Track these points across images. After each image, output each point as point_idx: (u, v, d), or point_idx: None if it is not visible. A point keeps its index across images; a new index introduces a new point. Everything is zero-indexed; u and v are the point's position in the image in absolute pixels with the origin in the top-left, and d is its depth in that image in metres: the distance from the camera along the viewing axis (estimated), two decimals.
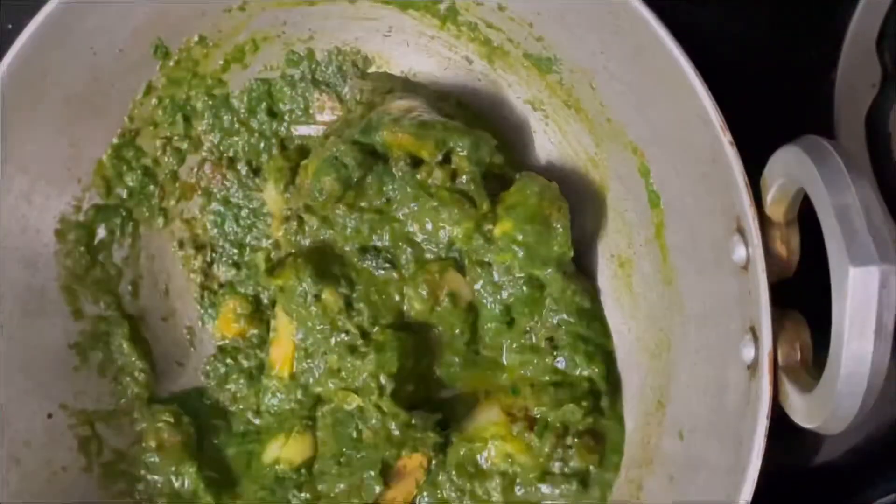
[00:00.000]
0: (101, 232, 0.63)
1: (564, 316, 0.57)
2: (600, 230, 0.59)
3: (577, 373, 0.57)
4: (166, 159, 0.64)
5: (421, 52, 0.62)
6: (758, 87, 0.57)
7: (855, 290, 0.36)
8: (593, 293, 0.58)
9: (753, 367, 0.43)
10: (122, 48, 0.59)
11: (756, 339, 0.43)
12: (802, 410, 0.42)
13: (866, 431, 0.55)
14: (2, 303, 0.57)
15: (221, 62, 0.63)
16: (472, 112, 0.62)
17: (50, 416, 0.59)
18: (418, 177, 0.56)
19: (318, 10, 0.61)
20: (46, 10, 0.54)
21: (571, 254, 0.56)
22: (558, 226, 0.55)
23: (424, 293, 0.57)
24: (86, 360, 0.61)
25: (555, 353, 0.57)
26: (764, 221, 0.44)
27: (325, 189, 0.57)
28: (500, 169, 0.57)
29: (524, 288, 0.57)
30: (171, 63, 0.62)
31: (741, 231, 0.44)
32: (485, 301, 0.58)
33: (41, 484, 0.57)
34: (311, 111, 0.64)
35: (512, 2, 0.56)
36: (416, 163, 0.57)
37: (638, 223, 0.56)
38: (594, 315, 0.58)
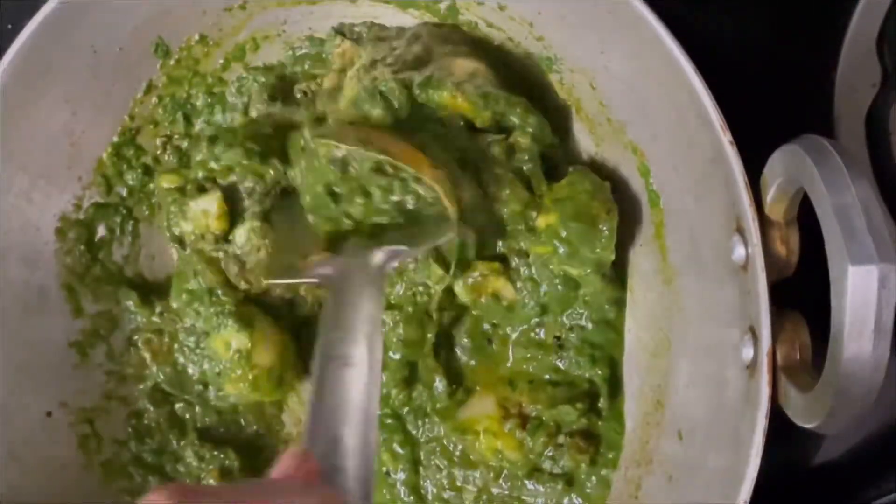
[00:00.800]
0: (102, 230, 0.63)
1: (582, 322, 0.56)
2: None
3: (578, 373, 0.57)
4: (167, 157, 0.64)
5: None
6: (758, 87, 0.57)
7: (854, 289, 0.36)
8: (621, 303, 0.57)
9: (753, 366, 0.43)
10: (123, 47, 0.59)
11: (755, 338, 0.43)
12: (801, 410, 0.42)
13: (866, 431, 0.55)
14: (1, 300, 0.57)
15: (222, 61, 0.63)
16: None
17: (49, 414, 0.59)
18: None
19: (318, 9, 0.61)
20: (46, 9, 0.54)
21: (612, 258, 0.54)
22: (605, 228, 0.53)
23: (467, 289, 0.56)
24: (85, 357, 0.61)
25: (559, 352, 0.57)
26: (764, 221, 0.44)
27: (371, 119, 0.55)
28: (553, 152, 0.57)
29: (560, 287, 0.56)
30: (172, 62, 0.62)
31: (741, 231, 0.44)
32: (524, 300, 0.57)
33: (40, 482, 0.57)
34: (325, 56, 0.62)
35: (512, 1, 0.56)
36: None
37: (638, 223, 0.56)
38: (613, 326, 0.57)
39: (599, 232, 0.53)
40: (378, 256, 0.51)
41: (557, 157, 0.57)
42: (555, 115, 0.58)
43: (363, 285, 0.49)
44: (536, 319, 0.57)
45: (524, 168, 0.55)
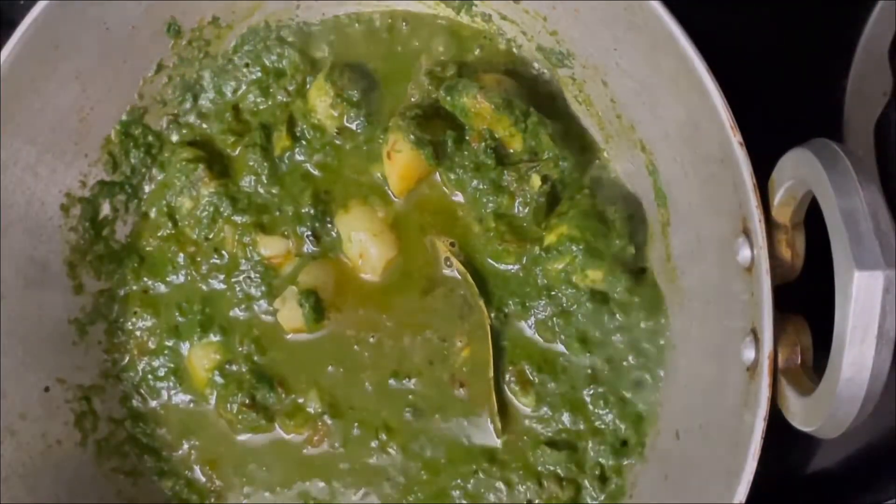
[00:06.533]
0: (106, 208, 0.63)
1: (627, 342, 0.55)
2: None
3: (601, 414, 0.56)
4: (168, 134, 0.64)
5: None
6: (769, 91, 0.57)
7: (859, 294, 0.36)
8: (656, 308, 0.55)
9: (753, 368, 0.43)
10: (135, 25, 0.59)
11: (757, 340, 0.43)
12: (801, 414, 0.42)
13: (865, 437, 0.55)
14: (3, 272, 0.57)
15: (234, 43, 0.63)
16: None
17: (47, 389, 0.59)
18: (492, 175, 0.56)
19: None
20: None
21: (632, 249, 0.53)
22: (615, 217, 0.54)
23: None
24: (85, 335, 0.61)
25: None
26: (770, 223, 0.44)
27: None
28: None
29: (589, 304, 0.55)
30: (184, 42, 0.61)
31: (747, 232, 0.44)
32: (562, 344, 0.56)
33: (35, 456, 0.57)
34: None
35: None
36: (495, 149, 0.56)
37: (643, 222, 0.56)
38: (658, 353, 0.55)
39: (610, 222, 0.54)
40: None
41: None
42: (582, 149, 0.58)
43: None
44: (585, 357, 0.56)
45: (532, 205, 0.56)
